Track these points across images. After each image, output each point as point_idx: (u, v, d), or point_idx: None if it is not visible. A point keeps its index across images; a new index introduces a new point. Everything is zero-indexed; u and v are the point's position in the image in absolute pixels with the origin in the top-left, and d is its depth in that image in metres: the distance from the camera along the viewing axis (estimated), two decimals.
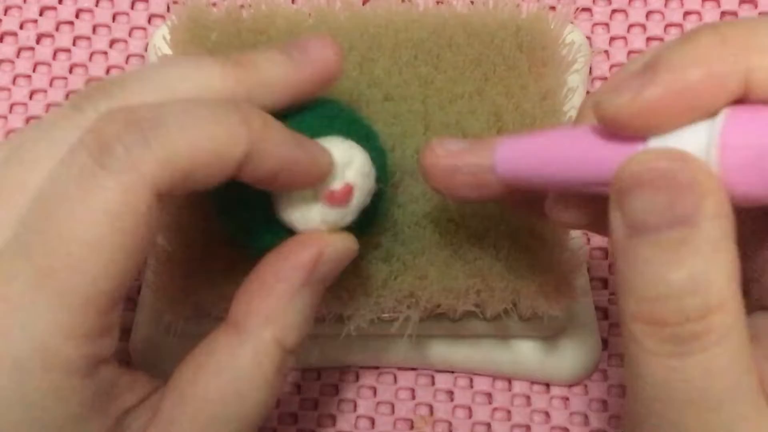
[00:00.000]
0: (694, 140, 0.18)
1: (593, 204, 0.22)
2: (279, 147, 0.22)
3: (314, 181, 0.23)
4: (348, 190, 0.24)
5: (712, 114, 0.19)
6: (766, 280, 0.21)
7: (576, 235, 0.30)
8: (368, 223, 0.26)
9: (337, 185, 0.24)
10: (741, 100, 0.19)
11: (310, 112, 0.25)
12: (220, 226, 0.26)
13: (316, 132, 0.24)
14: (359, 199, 0.24)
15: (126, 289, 0.21)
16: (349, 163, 0.24)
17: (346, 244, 0.24)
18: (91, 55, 0.36)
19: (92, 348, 0.20)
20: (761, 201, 0.18)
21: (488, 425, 0.32)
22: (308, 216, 0.24)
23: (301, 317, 0.23)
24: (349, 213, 0.24)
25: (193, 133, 0.21)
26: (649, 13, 0.37)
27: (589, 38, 0.36)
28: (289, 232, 0.24)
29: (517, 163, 0.22)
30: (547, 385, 0.33)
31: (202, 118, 0.21)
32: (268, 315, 0.23)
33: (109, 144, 0.20)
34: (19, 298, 0.20)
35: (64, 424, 0.21)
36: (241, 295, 0.24)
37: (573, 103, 0.31)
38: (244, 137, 0.21)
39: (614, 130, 0.20)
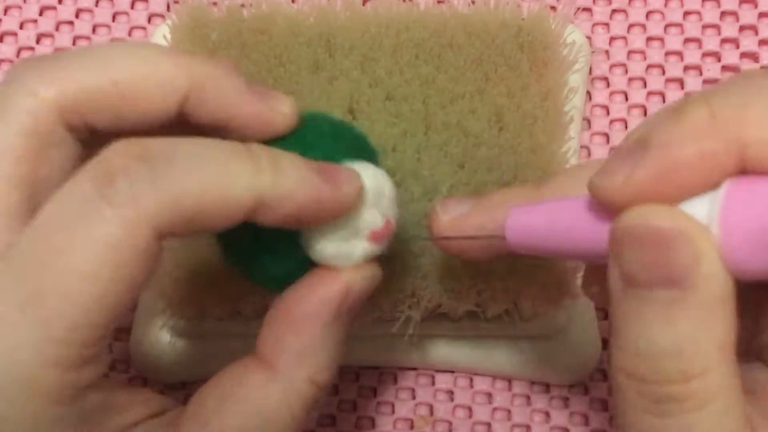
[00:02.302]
0: (695, 214, 0.18)
1: None
2: (296, 191, 0.21)
3: (344, 211, 0.22)
4: (390, 226, 0.23)
5: (710, 187, 0.18)
6: (766, 338, 0.20)
7: None
8: None
9: (379, 222, 0.23)
10: (742, 172, 0.18)
11: (313, 131, 0.24)
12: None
13: (329, 155, 0.23)
14: (395, 228, 0.24)
15: (116, 322, 0.20)
16: (381, 193, 0.23)
17: (373, 272, 0.24)
18: None
19: (76, 377, 0.20)
20: (764, 276, 0.18)
21: (488, 425, 0.32)
22: (351, 254, 0.23)
23: (334, 353, 0.23)
24: (387, 244, 0.24)
25: (202, 177, 0.20)
26: (649, 13, 0.37)
27: (589, 38, 0.36)
28: (302, 265, 0.23)
29: (526, 233, 0.22)
30: (547, 385, 0.33)
31: (213, 161, 0.20)
32: (301, 353, 0.22)
33: (114, 176, 0.19)
34: (2, 322, 0.19)
35: None
36: (270, 329, 0.23)
37: (574, 104, 0.31)
38: (253, 184, 0.20)
39: (611, 209, 0.19)
